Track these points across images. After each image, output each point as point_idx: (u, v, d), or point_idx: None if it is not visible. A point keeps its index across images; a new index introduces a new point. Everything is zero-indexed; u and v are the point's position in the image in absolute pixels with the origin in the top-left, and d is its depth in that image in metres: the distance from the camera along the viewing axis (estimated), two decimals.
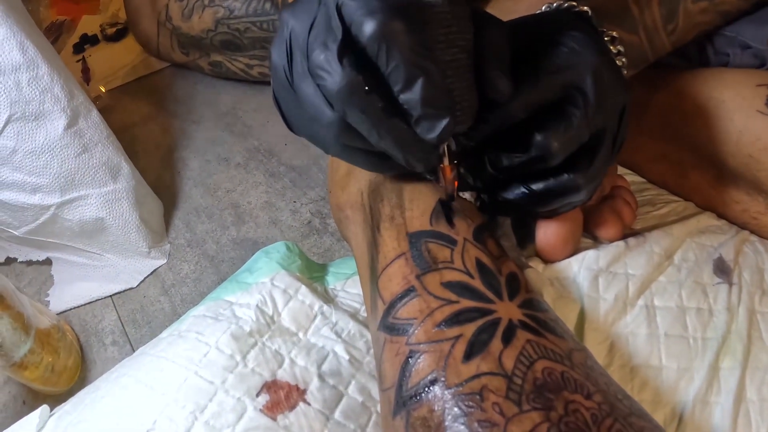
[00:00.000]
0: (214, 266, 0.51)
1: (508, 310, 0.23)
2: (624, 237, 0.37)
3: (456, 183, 0.27)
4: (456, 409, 0.20)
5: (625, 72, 0.35)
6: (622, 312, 0.33)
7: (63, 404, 0.32)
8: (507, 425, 0.19)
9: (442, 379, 0.21)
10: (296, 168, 0.58)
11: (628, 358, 0.32)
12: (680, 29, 0.40)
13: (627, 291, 0.34)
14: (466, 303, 0.23)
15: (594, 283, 0.33)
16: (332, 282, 0.37)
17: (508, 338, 0.22)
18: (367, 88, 0.23)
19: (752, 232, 0.43)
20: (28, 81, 0.45)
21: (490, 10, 0.51)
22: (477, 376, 0.20)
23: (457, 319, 0.23)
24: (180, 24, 0.62)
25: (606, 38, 0.34)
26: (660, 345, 0.33)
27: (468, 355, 0.21)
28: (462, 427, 0.19)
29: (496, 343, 0.22)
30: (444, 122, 0.23)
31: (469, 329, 0.22)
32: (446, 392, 0.20)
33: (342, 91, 0.23)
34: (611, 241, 0.36)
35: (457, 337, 0.22)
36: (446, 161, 0.26)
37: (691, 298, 0.35)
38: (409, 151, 0.25)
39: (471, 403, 0.20)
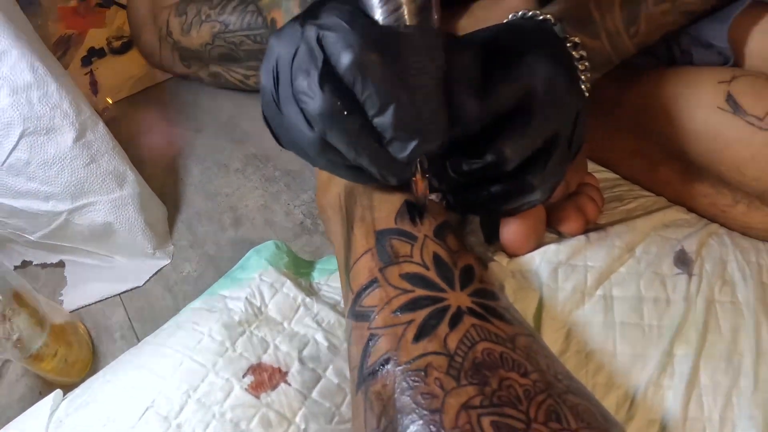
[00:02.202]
0: (214, 265, 0.54)
1: (458, 299, 0.26)
2: (587, 232, 0.38)
3: (427, 193, 0.30)
4: (404, 383, 0.23)
5: (589, 75, 0.36)
6: (579, 302, 0.35)
7: (74, 389, 0.35)
8: (446, 397, 0.22)
9: (395, 358, 0.24)
10: (290, 173, 0.61)
11: (583, 344, 0.34)
12: (643, 32, 0.40)
13: (585, 282, 0.35)
14: (420, 292, 0.26)
15: (553, 274, 0.35)
16: (317, 277, 0.40)
17: (454, 323, 0.25)
18: (345, 112, 0.25)
19: (722, 224, 0.44)
20: (39, 98, 0.47)
21: (467, 17, 0.54)
22: (423, 355, 0.23)
23: (411, 306, 0.25)
24: (180, 38, 0.65)
25: (569, 44, 0.35)
26: (615, 333, 0.34)
27: (417, 337, 0.24)
28: (407, 398, 0.22)
29: (443, 327, 0.24)
30: (413, 144, 0.26)
31: (421, 315, 0.25)
32: (397, 369, 0.23)
33: (322, 115, 0.25)
34: (573, 235, 0.38)
35: (410, 322, 0.25)
36: (419, 176, 0.29)
37: (649, 289, 0.36)
38: (383, 167, 0.27)
39: (416, 378, 0.23)
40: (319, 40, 0.25)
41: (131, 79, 0.80)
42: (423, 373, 0.23)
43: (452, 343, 0.24)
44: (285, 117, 0.28)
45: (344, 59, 0.24)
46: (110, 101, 0.77)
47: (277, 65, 0.27)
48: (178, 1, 0.65)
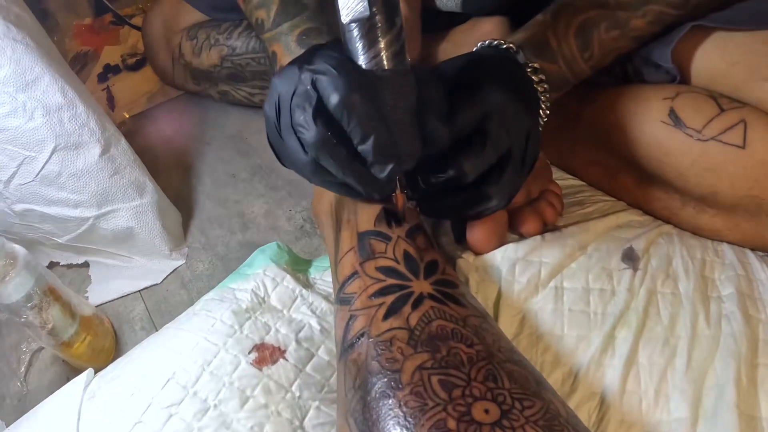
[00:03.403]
0: (224, 265, 0.60)
1: (421, 286, 0.32)
2: (544, 232, 0.44)
3: (405, 208, 0.36)
4: (373, 351, 0.28)
5: (548, 95, 0.41)
6: (533, 292, 0.40)
7: (105, 369, 0.41)
8: (404, 361, 0.27)
9: (368, 332, 0.30)
10: (292, 182, 0.66)
11: (535, 328, 0.39)
12: (596, 55, 0.44)
13: (539, 275, 0.41)
14: (391, 281, 0.32)
15: (511, 269, 0.41)
16: (313, 273, 0.47)
17: (416, 305, 0.30)
18: (334, 141, 0.31)
19: (675, 225, 0.49)
20: (69, 118, 0.52)
21: (446, 42, 0.60)
22: (390, 330, 0.29)
23: (383, 292, 0.31)
24: (191, 60, 0.71)
25: (529, 69, 0.41)
26: (564, 318, 0.39)
27: (386, 316, 0.30)
28: (376, 363, 0.28)
29: (407, 308, 0.30)
30: (390, 166, 0.31)
31: (390, 299, 0.31)
32: (369, 341, 0.29)
33: (315, 144, 0.31)
34: (531, 236, 0.43)
35: (381, 304, 0.31)
36: (398, 192, 0.35)
37: (596, 281, 0.41)
38: (367, 185, 0.33)
39: (383, 348, 0.28)
40: (313, 83, 0.31)
41: (146, 95, 0.85)
42: (389, 344, 0.28)
43: (413, 320, 0.30)
44: (285, 143, 0.34)
45: (333, 99, 0.30)
46: (127, 116, 0.82)
47: (279, 101, 0.33)
48: (190, 26, 0.71)
